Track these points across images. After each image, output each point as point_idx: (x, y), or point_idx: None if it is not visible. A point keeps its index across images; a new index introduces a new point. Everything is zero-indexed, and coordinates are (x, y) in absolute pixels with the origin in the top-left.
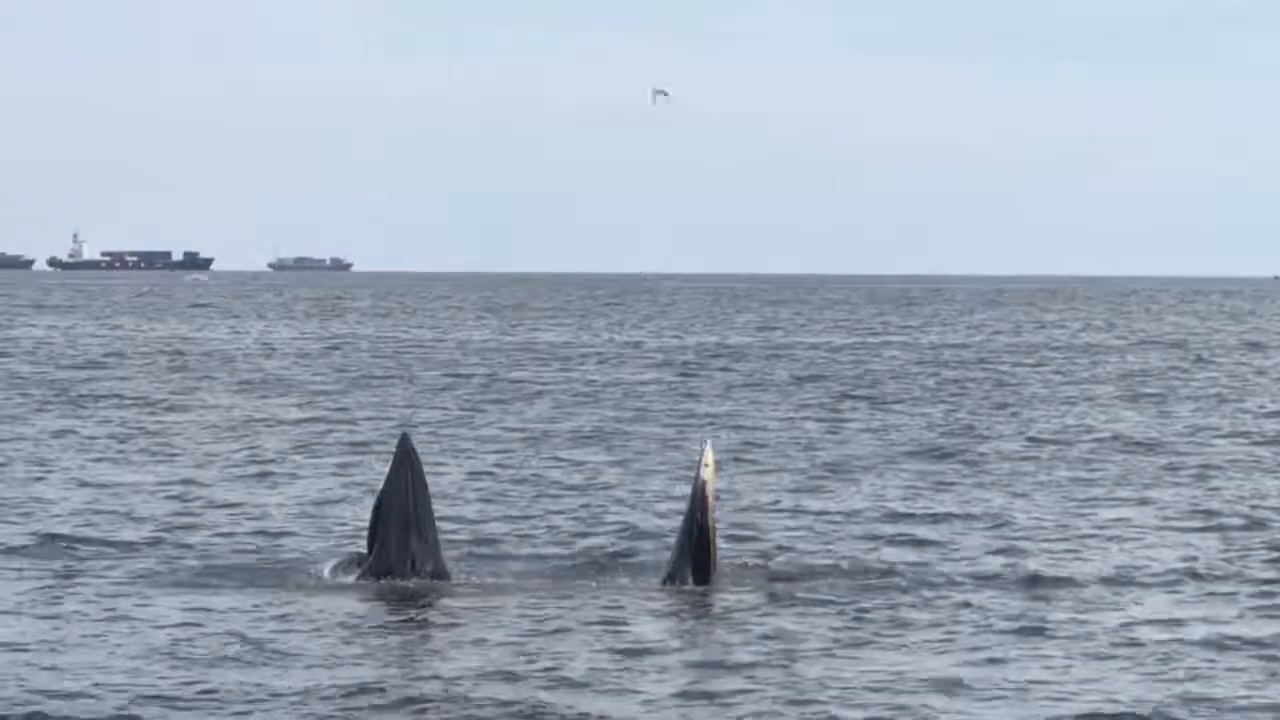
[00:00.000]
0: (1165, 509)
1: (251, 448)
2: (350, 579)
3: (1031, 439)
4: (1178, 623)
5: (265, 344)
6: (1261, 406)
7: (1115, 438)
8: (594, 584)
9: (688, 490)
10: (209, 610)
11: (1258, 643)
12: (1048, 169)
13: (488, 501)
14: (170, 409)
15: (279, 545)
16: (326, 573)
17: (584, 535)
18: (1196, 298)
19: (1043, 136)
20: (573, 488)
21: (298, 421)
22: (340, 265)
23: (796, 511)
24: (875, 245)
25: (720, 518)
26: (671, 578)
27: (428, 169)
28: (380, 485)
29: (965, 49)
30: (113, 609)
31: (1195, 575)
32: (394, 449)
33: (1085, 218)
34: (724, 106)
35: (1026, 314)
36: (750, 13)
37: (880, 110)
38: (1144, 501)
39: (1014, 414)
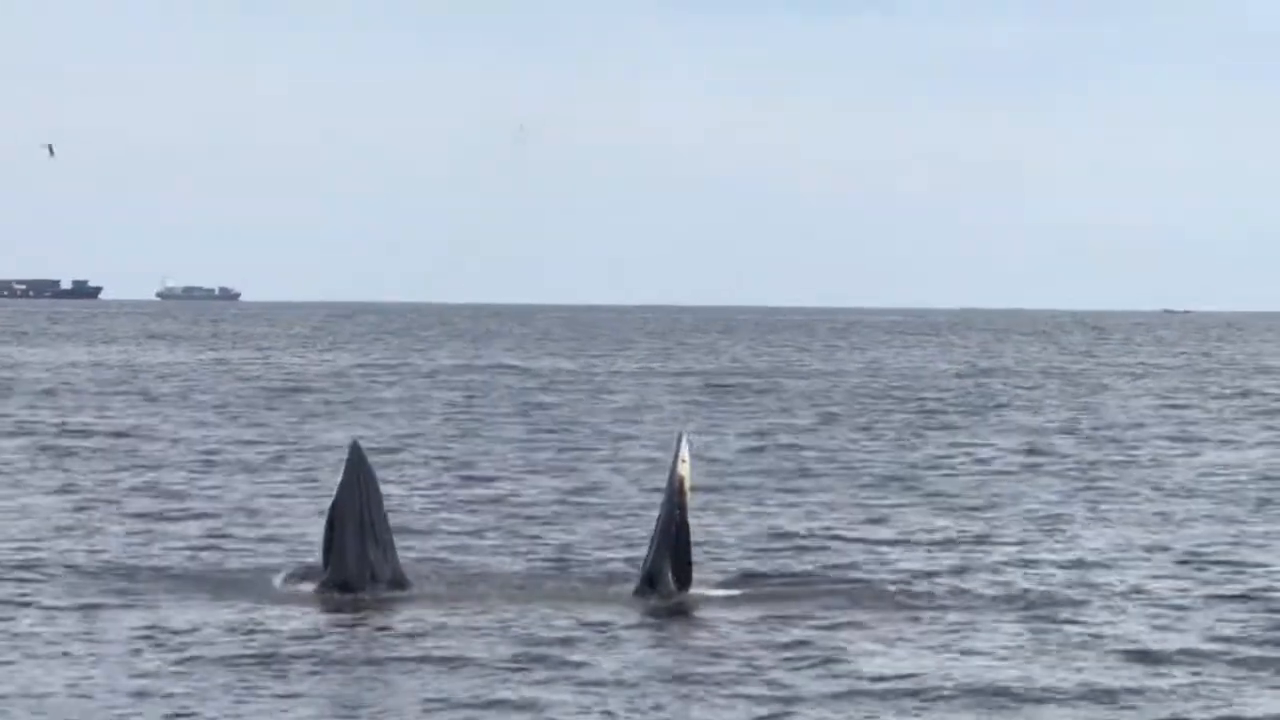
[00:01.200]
0: (1126, 529)
1: (200, 463)
2: (305, 589)
3: (982, 460)
4: (1158, 638)
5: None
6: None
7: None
8: (563, 591)
9: (661, 486)
10: (163, 627)
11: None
12: (930, 201)
13: (447, 513)
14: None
15: (228, 558)
16: (279, 584)
17: (549, 544)
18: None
19: (925, 168)
20: (532, 500)
21: (248, 441)
22: (229, 295)
23: (763, 522)
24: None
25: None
26: (650, 577)
27: (314, 197)
28: (333, 495)
29: (852, 78)
30: (65, 628)
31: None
32: (344, 458)
33: (969, 249)
34: (603, 135)
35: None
36: (628, 40)
37: (760, 139)
38: (1105, 521)
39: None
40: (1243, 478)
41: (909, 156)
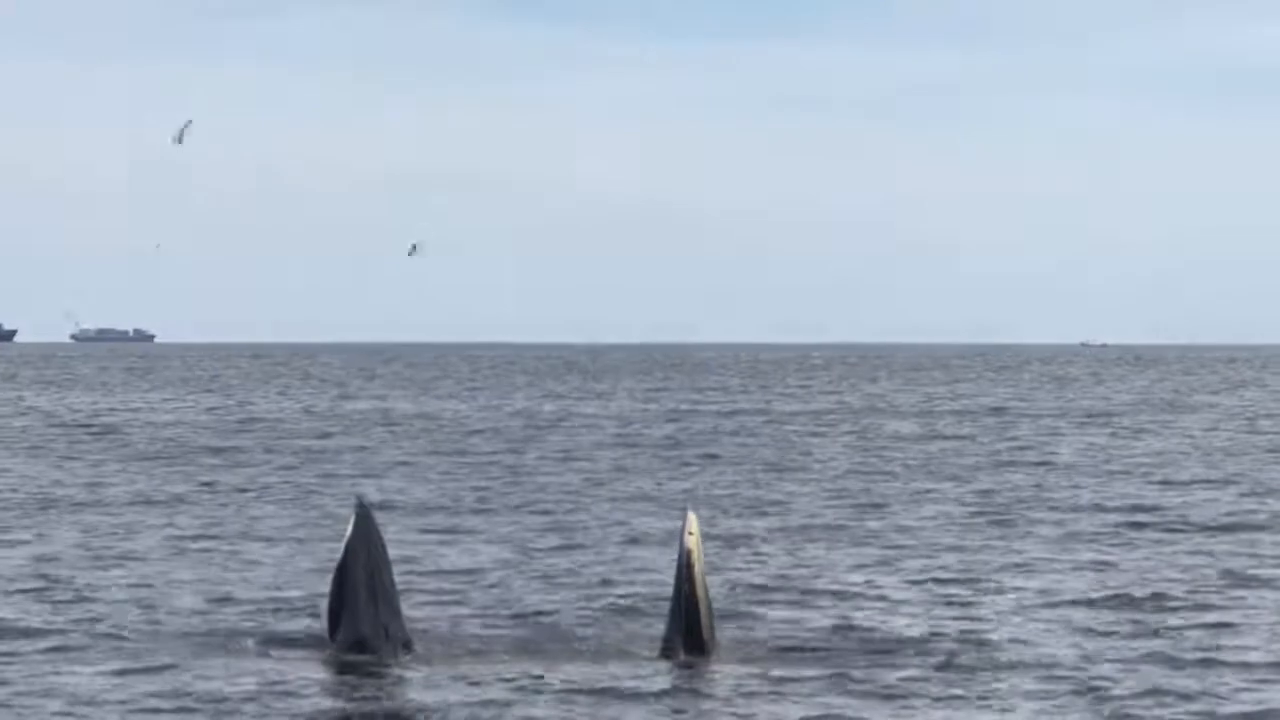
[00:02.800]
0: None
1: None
2: (301, 653)
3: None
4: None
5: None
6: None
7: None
8: (573, 652)
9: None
10: (168, 692)
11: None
12: (856, 235)
13: (448, 569)
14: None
15: (220, 618)
16: (252, 646)
17: (553, 601)
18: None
19: (849, 203)
20: (534, 552)
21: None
22: (144, 336)
23: (779, 577)
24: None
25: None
26: (665, 649)
27: (233, 236)
28: (340, 555)
29: (781, 113)
30: (48, 688)
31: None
32: (351, 517)
33: (895, 282)
34: (536, 171)
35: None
36: (559, 76)
37: (695, 176)
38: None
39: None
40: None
41: (816, 189)
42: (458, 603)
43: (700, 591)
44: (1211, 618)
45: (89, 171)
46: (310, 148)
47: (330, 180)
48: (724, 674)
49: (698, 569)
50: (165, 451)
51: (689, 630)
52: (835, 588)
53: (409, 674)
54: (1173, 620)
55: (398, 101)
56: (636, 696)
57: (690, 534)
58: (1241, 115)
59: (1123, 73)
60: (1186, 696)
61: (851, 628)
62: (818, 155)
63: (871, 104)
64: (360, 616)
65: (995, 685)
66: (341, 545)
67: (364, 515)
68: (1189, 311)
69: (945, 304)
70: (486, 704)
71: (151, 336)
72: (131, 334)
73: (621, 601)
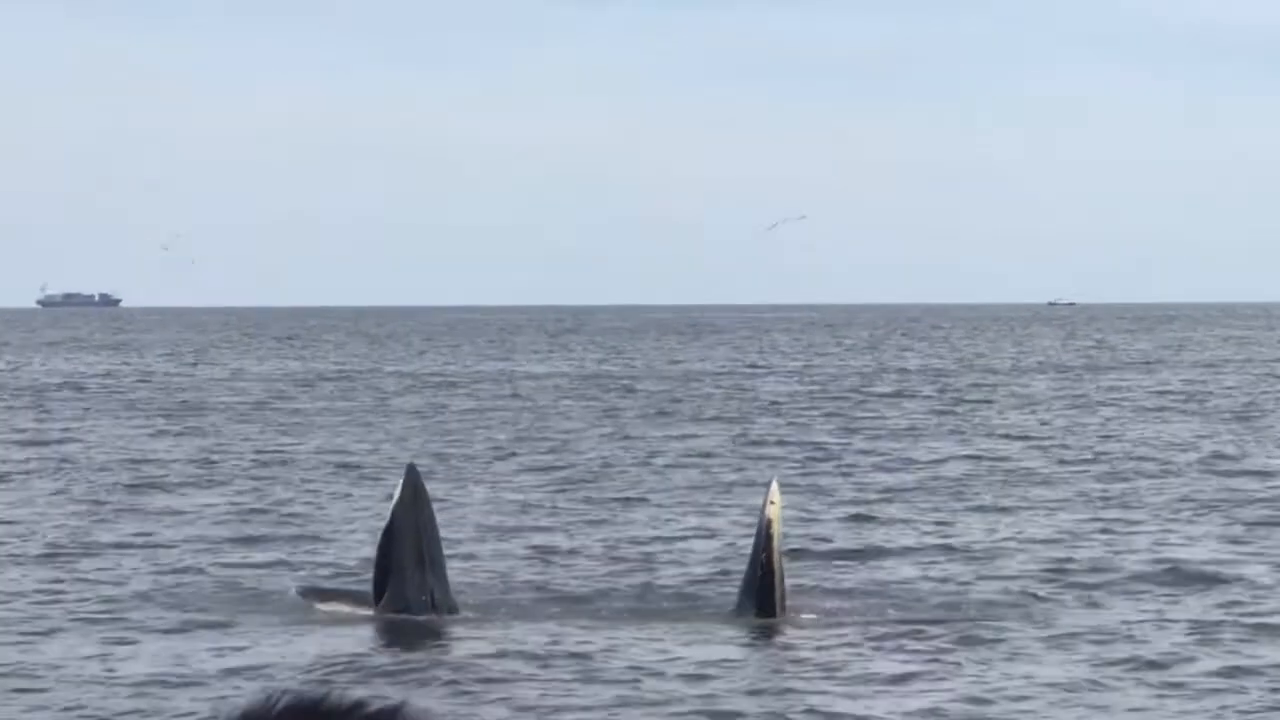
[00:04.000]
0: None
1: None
2: (350, 610)
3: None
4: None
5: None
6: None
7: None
8: (628, 618)
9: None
10: (210, 646)
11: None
12: (799, 201)
13: (504, 534)
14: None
15: (271, 577)
16: (296, 595)
17: (600, 567)
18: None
19: (785, 175)
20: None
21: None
22: (109, 300)
23: (847, 541)
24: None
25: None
26: (739, 611)
27: (183, 199)
28: (387, 519)
29: (724, 82)
30: (103, 642)
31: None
32: (401, 482)
33: (850, 247)
34: (486, 134)
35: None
36: (505, 43)
37: (636, 142)
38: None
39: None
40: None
41: (773, 152)
42: (505, 564)
43: (777, 559)
44: None
45: (50, 133)
46: (253, 111)
47: (281, 140)
48: (803, 636)
49: (776, 538)
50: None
51: (762, 595)
52: (904, 545)
53: (453, 636)
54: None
55: (326, 62)
56: (720, 660)
57: (772, 503)
58: (1188, 78)
59: (1073, 37)
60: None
61: (917, 585)
62: (768, 122)
63: (818, 71)
64: (407, 581)
65: (1068, 644)
66: (390, 509)
67: (413, 480)
68: (1144, 270)
69: (907, 265)
70: (534, 665)
71: (118, 301)
72: (97, 298)
73: (679, 567)
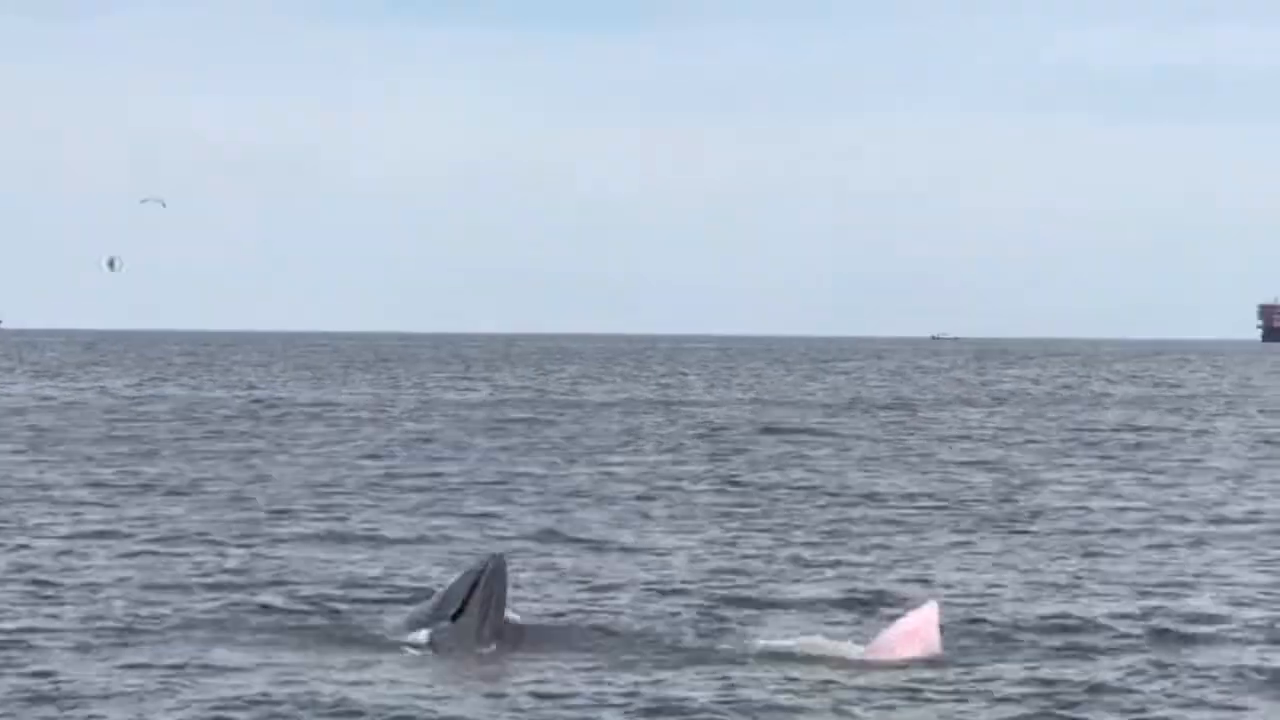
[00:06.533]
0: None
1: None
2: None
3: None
4: None
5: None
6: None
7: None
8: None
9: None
10: (283, 667)
11: None
12: (690, 224)
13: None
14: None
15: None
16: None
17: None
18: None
19: (681, 190)
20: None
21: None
22: None
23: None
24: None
25: None
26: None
27: (58, 220)
28: (461, 594)
29: (607, 107)
30: (179, 664)
31: None
32: (488, 565)
33: (738, 278)
34: (368, 167)
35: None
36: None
37: (531, 166)
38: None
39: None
40: None
41: (659, 180)
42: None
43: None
44: None
45: None
46: (168, 124)
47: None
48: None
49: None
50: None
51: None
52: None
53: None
54: None
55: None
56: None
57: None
58: (1075, 115)
59: (960, 74)
60: None
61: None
62: (664, 143)
63: (701, 94)
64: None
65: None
66: (467, 586)
67: (499, 569)
68: (1025, 306)
69: (789, 298)
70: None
71: None
72: None
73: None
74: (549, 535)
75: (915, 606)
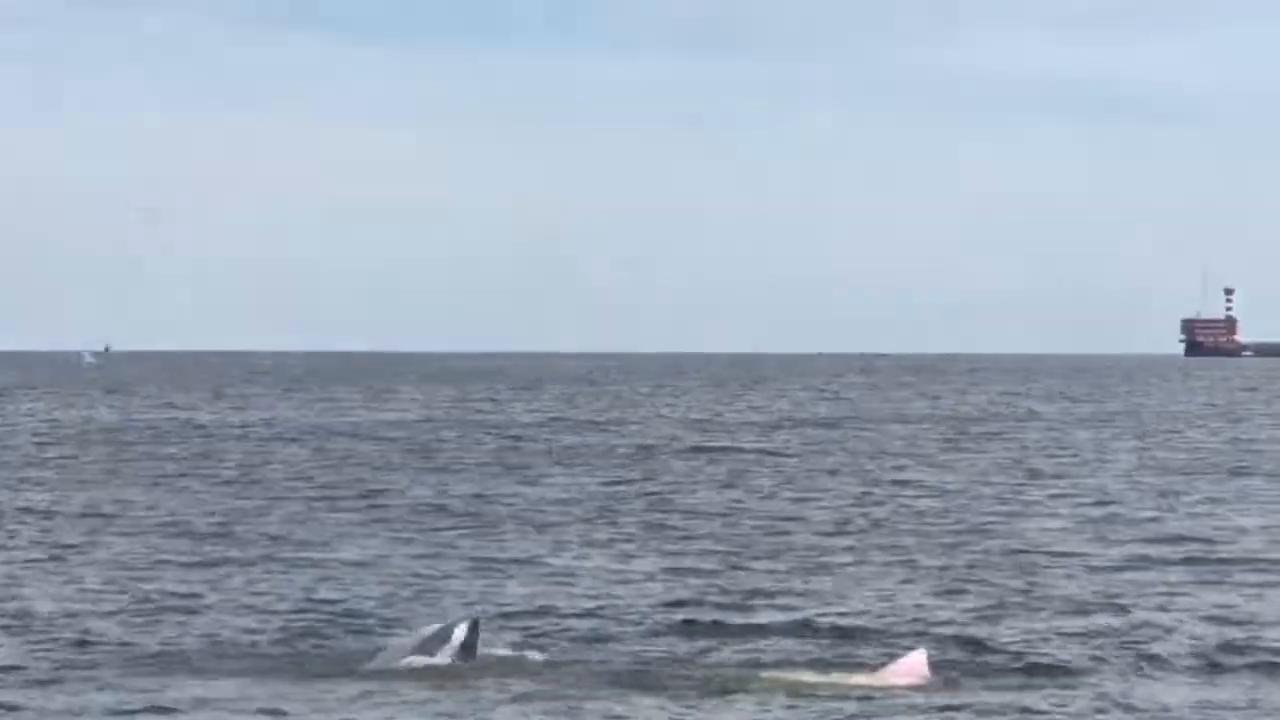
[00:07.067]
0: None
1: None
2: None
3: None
4: None
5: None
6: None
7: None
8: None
9: None
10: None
11: None
12: (579, 243)
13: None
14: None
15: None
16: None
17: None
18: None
19: (560, 209)
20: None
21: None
22: None
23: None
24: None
25: None
26: None
27: None
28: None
29: (477, 119)
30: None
31: None
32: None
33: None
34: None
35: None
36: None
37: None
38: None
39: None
40: None
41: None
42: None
43: None
44: None
45: None
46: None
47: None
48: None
49: None
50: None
51: None
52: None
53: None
54: None
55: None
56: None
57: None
58: (955, 124)
59: (839, 83)
60: None
61: None
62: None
63: (580, 106)
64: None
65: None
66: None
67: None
68: (953, 322)
69: (686, 314)
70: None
71: None
72: None
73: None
74: (488, 562)
75: (902, 653)
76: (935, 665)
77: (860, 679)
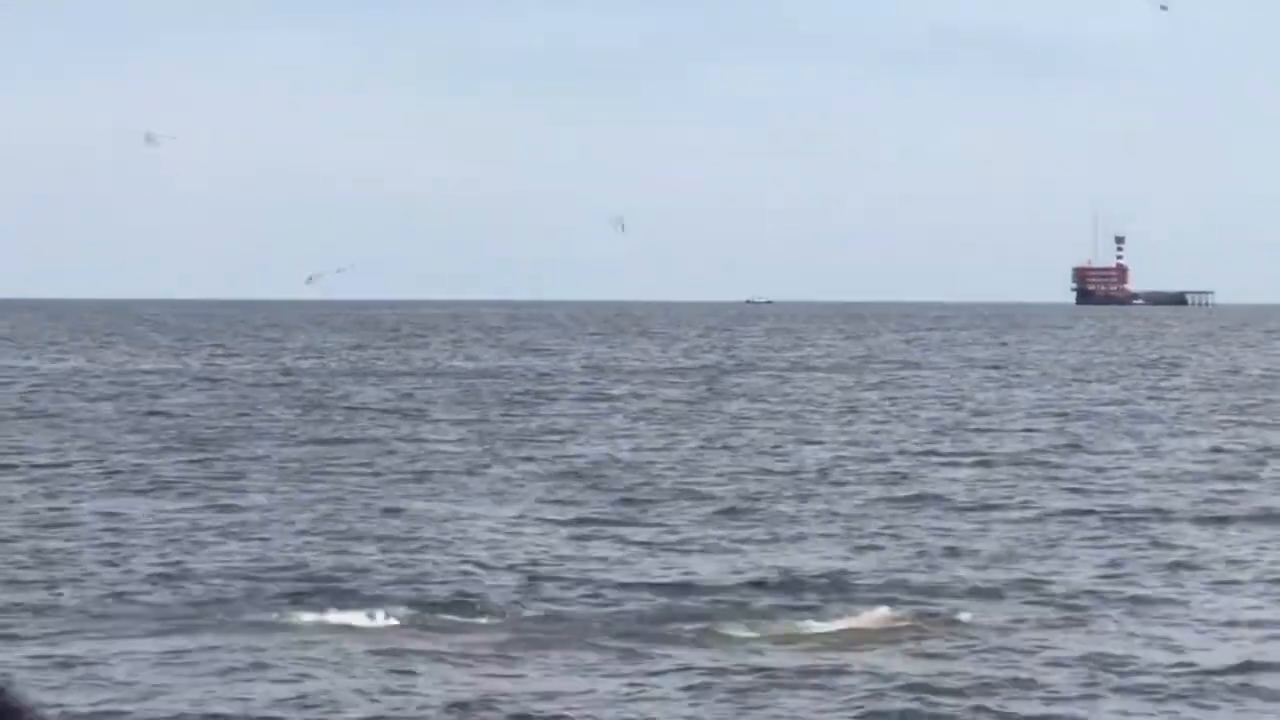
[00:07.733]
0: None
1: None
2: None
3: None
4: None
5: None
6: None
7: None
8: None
9: None
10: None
11: None
12: (508, 209)
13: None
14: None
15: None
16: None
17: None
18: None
19: (500, 179)
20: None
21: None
22: None
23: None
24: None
25: None
26: None
27: None
28: None
29: (429, 86)
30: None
31: None
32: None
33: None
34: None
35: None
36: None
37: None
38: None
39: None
40: None
41: (486, 152)
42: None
43: None
44: None
45: None
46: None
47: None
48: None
49: None
50: None
51: None
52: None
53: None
54: None
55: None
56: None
57: None
58: (921, 81)
59: (796, 37)
60: None
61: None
62: (490, 125)
63: (518, 72)
64: None
65: None
66: None
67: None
68: (837, 271)
69: (623, 260)
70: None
71: None
72: None
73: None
74: (414, 516)
75: (869, 608)
76: (889, 619)
77: (823, 628)
